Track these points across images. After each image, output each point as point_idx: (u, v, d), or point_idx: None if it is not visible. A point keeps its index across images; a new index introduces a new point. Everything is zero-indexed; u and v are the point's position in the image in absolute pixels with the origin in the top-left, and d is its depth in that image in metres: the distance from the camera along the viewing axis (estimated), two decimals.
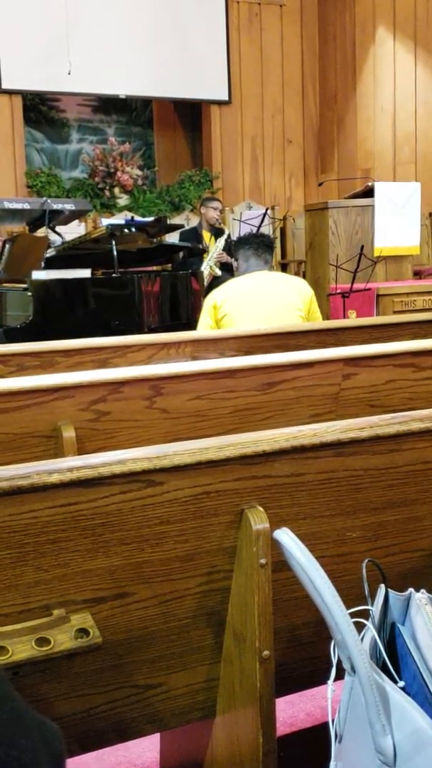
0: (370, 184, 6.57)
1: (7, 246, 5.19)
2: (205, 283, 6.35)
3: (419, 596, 1.21)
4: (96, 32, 8.79)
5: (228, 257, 6.69)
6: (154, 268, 6.01)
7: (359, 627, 1.11)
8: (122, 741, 1.44)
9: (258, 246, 3.98)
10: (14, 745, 0.68)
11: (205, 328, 3.83)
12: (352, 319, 5.03)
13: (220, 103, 9.67)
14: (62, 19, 8.56)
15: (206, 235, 7.44)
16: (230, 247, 4.99)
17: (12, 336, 4.48)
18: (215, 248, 7.08)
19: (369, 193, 6.49)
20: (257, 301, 3.73)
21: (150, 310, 4.92)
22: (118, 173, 9.15)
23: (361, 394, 2.58)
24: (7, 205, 5.87)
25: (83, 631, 1.25)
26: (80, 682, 1.33)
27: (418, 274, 7.42)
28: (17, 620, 1.24)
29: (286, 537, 1.12)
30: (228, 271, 6.60)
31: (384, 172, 9.03)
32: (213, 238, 7.36)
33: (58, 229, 6.11)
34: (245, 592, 1.34)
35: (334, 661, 1.11)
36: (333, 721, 1.14)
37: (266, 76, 9.85)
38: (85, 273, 4.86)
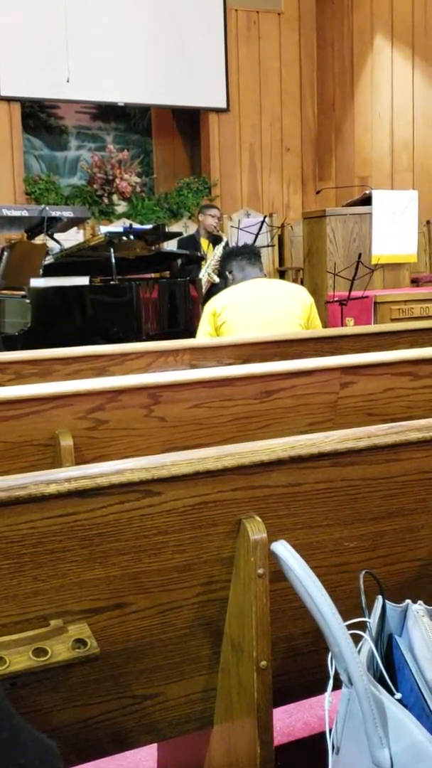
0: (367, 192, 6.59)
1: (6, 253, 5.20)
2: (203, 290, 6.35)
3: (416, 608, 1.21)
4: (95, 40, 8.81)
5: None
6: (153, 275, 6.02)
7: (356, 638, 1.11)
8: (120, 751, 1.44)
9: (250, 255, 4.00)
10: (12, 763, 0.68)
11: (204, 335, 3.84)
12: (350, 327, 5.03)
13: (218, 110, 9.70)
14: (61, 27, 8.59)
15: (204, 242, 7.45)
16: (222, 260, 5.00)
17: (10, 343, 4.48)
18: (213, 256, 7.09)
19: (367, 201, 6.51)
20: (257, 310, 3.73)
21: (148, 318, 4.92)
22: (117, 180, 9.17)
23: (359, 402, 2.58)
24: (6, 212, 5.87)
25: (80, 642, 1.25)
26: (77, 693, 1.33)
27: (415, 282, 7.44)
28: (14, 631, 1.24)
29: (283, 549, 1.12)
30: (224, 276, 6.61)
31: (382, 180, 9.05)
32: (211, 245, 7.37)
33: (56, 236, 6.11)
34: (243, 602, 1.34)
35: (332, 673, 1.11)
36: (330, 732, 1.14)
37: (264, 84, 9.88)
38: (84, 280, 4.86)
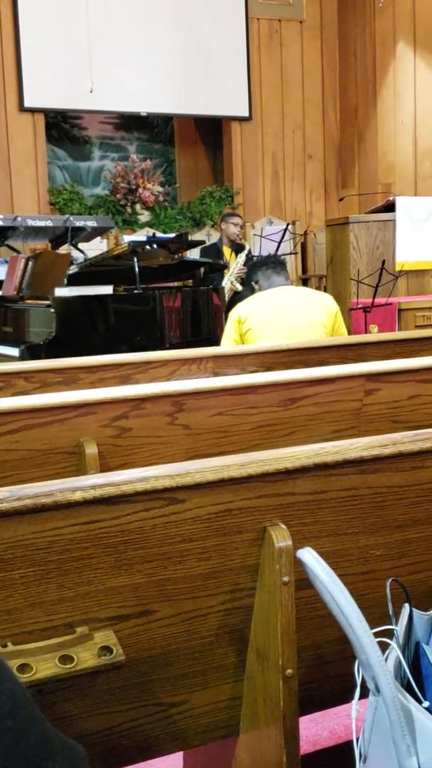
0: (391, 198, 6.57)
1: (30, 263, 5.23)
2: (226, 298, 6.36)
3: None
4: (117, 50, 8.87)
5: None
6: (176, 284, 6.04)
7: (383, 646, 1.10)
8: (145, 759, 1.43)
9: (275, 264, 4.03)
10: (40, 767, 0.68)
11: (229, 341, 3.84)
12: (374, 334, 5.02)
13: (240, 119, 9.72)
14: (84, 38, 8.66)
15: (227, 250, 7.46)
16: (248, 272, 5.04)
17: (35, 352, 4.51)
18: (236, 264, 7.10)
19: (390, 207, 6.50)
20: (282, 317, 3.73)
21: (171, 326, 4.93)
22: (140, 190, 9.21)
23: (384, 409, 2.57)
24: (30, 222, 5.92)
25: (106, 649, 1.25)
26: (103, 700, 1.33)
27: None
28: (41, 638, 1.24)
29: (309, 556, 1.12)
30: (249, 286, 6.61)
31: (405, 186, 9.02)
32: (233, 253, 7.38)
33: (80, 246, 6.15)
34: (268, 610, 1.33)
35: (359, 681, 1.10)
36: (357, 740, 1.13)
37: (287, 92, 9.89)
38: (107, 289, 4.89)
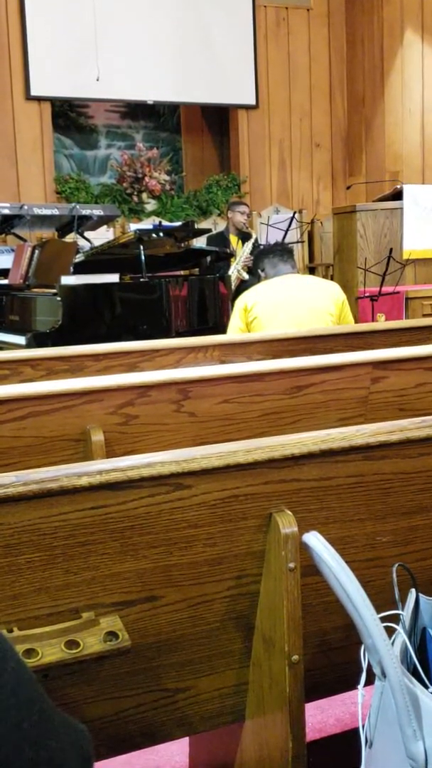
0: (398, 186, 6.54)
1: (37, 252, 5.23)
2: (233, 287, 6.34)
3: None
4: (124, 38, 8.84)
5: None
6: (182, 272, 6.02)
7: (389, 632, 1.10)
8: (151, 745, 1.44)
9: (282, 252, 4.00)
10: (44, 746, 0.68)
11: (235, 330, 3.83)
12: (381, 323, 5.00)
13: (247, 107, 9.67)
14: (91, 26, 8.62)
15: (233, 239, 7.43)
16: (254, 260, 5.02)
17: (41, 340, 4.50)
18: (242, 252, 7.07)
19: (397, 195, 6.46)
20: (288, 306, 3.72)
21: (178, 315, 4.92)
22: (146, 178, 9.19)
23: (391, 397, 2.56)
24: (37, 211, 5.91)
25: (112, 634, 1.26)
26: (109, 685, 1.33)
27: None
28: (47, 623, 1.24)
29: (315, 541, 1.11)
30: (256, 275, 6.59)
31: (412, 174, 8.97)
32: (240, 242, 7.35)
33: (86, 234, 6.14)
34: (274, 597, 1.33)
35: (365, 666, 1.10)
36: (363, 726, 1.13)
37: (294, 80, 9.84)
38: (114, 278, 4.88)
